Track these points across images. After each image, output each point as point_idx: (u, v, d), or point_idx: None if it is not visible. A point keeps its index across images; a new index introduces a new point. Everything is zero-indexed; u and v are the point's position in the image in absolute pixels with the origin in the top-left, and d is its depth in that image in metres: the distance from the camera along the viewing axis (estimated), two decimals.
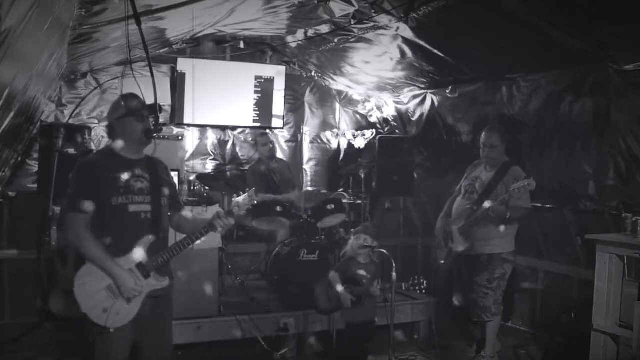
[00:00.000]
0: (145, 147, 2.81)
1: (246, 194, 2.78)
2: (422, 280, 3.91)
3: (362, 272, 4.06)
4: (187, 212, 3.04)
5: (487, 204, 3.99)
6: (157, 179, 2.80)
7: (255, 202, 2.82)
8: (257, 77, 6.02)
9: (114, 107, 2.80)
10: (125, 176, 2.70)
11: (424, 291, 3.96)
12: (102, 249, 2.60)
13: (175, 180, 4.55)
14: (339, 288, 3.98)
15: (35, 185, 4.94)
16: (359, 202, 5.80)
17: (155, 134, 2.76)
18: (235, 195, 2.82)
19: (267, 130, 6.11)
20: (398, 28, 4.24)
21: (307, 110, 6.61)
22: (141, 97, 2.76)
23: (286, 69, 6.18)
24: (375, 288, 3.97)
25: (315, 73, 6.42)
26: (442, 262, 4.40)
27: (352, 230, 5.42)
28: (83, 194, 2.64)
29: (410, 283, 3.92)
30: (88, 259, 2.62)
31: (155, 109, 2.76)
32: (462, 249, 4.19)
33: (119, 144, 2.76)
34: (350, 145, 6.62)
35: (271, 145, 5.64)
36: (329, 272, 4.14)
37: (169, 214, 2.90)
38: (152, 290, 2.70)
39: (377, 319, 4.23)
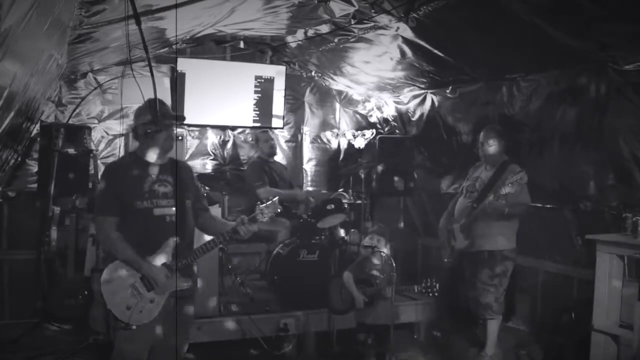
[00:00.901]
0: (169, 151, 2.87)
1: (270, 201, 2.82)
2: (434, 283, 3.87)
3: (375, 273, 4.03)
4: (212, 213, 3.09)
5: (485, 200, 4.00)
6: (180, 182, 2.85)
7: (279, 210, 2.85)
8: (257, 77, 6.01)
9: (140, 112, 2.85)
10: (149, 180, 2.79)
11: (436, 294, 3.91)
12: (132, 249, 2.68)
13: None
14: (354, 289, 3.95)
15: (35, 185, 4.93)
16: (359, 202, 5.80)
17: (154, 134, 2.78)
18: (259, 202, 2.85)
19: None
20: (398, 28, 4.23)
21: (307, 110, 6.60)
22: (168, 104, 2.81)
23: (286, 69, 6.17)
24: (388, 290, 3.89)
25: (315, 73, 6.41)
26: (446, 260, 4.41)
27: (353, 230, 5.42)
28: (111, 198, 2.74)
29: (423, 286, 3.90)
30: (120, 259, 2.70)
31: (182, 117, 2.79)
32: (463, 247, 4.21)
33: (143, 147, 2.82)
34: (350, 145, 6.61)
35: (272, 142, 5.64)
36: (333, 272, 4.11)
37: (194, 215, 2.95)
38: (175, 291, 2.75)
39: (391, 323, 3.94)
